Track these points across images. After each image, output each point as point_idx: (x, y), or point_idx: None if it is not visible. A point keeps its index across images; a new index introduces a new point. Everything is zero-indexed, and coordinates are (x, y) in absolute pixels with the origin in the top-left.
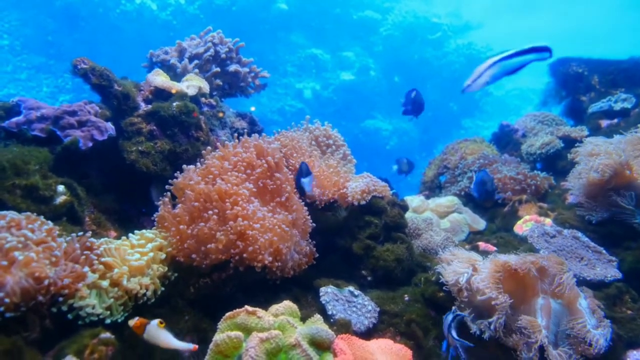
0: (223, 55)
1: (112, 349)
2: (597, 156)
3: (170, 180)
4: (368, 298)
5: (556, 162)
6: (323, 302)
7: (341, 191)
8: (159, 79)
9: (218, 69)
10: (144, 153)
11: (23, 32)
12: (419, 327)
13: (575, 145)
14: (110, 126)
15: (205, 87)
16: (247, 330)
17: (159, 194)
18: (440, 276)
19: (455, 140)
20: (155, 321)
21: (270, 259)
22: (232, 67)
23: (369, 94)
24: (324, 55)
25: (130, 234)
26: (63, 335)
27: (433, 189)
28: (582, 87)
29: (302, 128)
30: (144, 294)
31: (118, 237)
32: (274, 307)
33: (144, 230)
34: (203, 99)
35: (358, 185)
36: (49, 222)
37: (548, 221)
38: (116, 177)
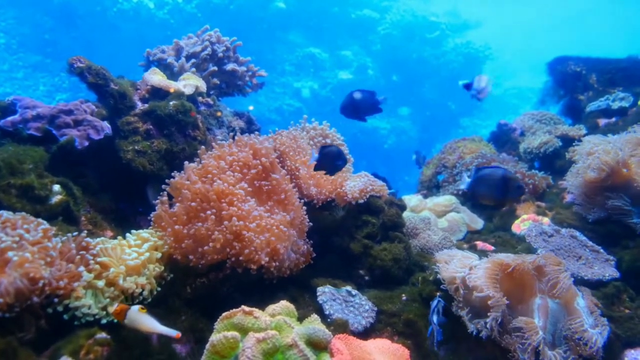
0: (220, 54)
1: (107, 349)
2: (594, 155)
3: (167, 180)
4: (365, 298)
5: (554, 161)
6: (320, 301)
7: (339, 190)
8: (156, 77)
9: (215, 68)
10: (140, 152)
11: (20, 30)
12: (416, 327)
13: (573, 144)
14: (106, 125)
15: (203, 86)
16: (244, 331)
17: (155, 193)
18: (438, 275)
19: (453, 139)
20: (136, 307)
21: (267, 259)
22: (230, 66)
23: None
24: (322, 54)
25: (127, 234)
26: (59, 336)
27: (431, 188)
28: (580, 86)
29: (300, 127)
30: (140, 294)
31: (114, 237)
32: (271, 307)
33: (140, 230)
34: (200, 98)
35: (356, 184)
36: (45, 222)
37: (546, 220)
38: (112, 177)
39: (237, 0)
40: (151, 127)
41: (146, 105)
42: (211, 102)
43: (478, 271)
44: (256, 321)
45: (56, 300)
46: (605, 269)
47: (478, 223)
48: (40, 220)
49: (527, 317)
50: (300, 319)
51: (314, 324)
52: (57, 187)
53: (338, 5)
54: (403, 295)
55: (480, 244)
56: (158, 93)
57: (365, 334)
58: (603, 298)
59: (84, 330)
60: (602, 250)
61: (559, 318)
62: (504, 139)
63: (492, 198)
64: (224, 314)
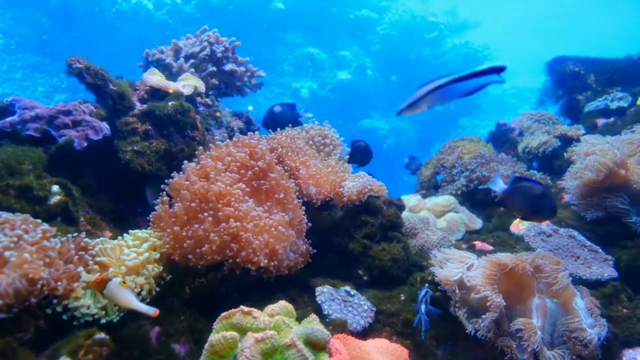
0: (219, 55)
1: (106, 349)
2: (592, 155)
3: (166, 180)
4: (364, 298)
5: (553, 161)
6: (319, 301)
7: (337, 190)
8: (155, 78)
9: (214, 69)
10: (139, 153)
11: (18, 31)
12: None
13: (572, 144)
14: (105, 126)
15: (201, 87)
16: (243, 331)
17: (154, 193)
18: (436, 277)
19: (452, 139)
20: (118, 279)
21: (266, 260)
22: (228, 67)
23: (366, 93)
24: (320, 55)
25: (125, 234)
26: (57, 336)
27: (430, 188)
28: (579, 86)
29: (299, 128)
30: (139, 293)
31: (113, 237)
32: (270, 307)
33: (137, 230)
34: (199, 99)
35: (355, 184)
36: (44, 223)
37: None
38: (111, 177)
39: (236, 1)
40: (150, 127)
41: (145, 106)
42: (210, 103)
43: (476, 271)
44: (255, 321)
45: (55, 301)
46: (603, 268)
47: (477, 223)
48: (39, 221)
49: (525, 318)
50: (299, 319)
51: (313, 324)
52: (55, 188)
53: (337, 5)
54: (402, 295)
55: (478, 244)
56: (157, 93)
57: (364, 333)
58: (601, 298)
59: (82, 331)
60: (600, 250)
61: (557, 318)
62: (502, 139)
63: (524, 212)
64: (222, 314)
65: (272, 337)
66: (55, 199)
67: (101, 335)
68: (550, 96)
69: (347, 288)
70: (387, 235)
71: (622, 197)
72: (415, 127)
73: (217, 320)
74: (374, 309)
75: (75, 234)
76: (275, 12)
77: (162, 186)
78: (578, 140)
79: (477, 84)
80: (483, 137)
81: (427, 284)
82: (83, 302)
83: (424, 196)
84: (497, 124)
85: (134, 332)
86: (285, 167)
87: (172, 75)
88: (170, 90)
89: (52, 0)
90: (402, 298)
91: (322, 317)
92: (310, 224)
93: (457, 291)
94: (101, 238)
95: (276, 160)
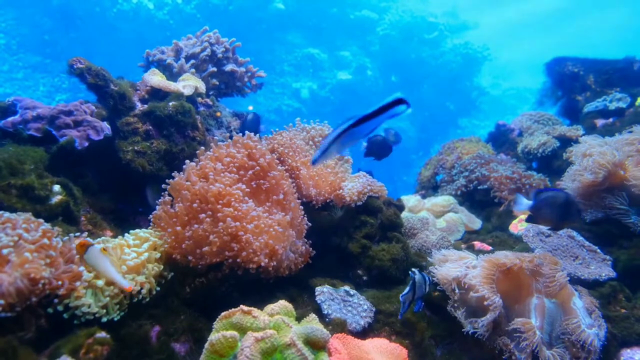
0: (219, 55)
1: (107, 348)
2: (591, 156)
3: (167, 180)
4: (364, 297)
5: (552, 162)
6: (319, 301)
7: (337, 191)
8: (155, 78)
9: (214, 69)
10: (140, 153)
11: (19, 31)
12: (414, 327)
13: (571, 144)
14: (106, 126)
15: (202, 87)
16: (243, 330)
17: (154, 193)
18: (434, 277)
19: (451, 140)
20: (99, 246)
21: (267, 260)
22: (229, 67)
23: (366, 94)
24: (321, 55)
25: (125, 234)
26: (59, 335)
27: (429, 188)
28: (578, 87)
29: (300, 128)
30: (139, 291)
31: (114, 237)
32: (270, 307)
33: (137, 230)
34: (199, 99)
35: (354, 185)
36: (45, 222)
37: None
38: (112, 177)
39: (236, 1)
40: (151, 127)
41: (146, 106)
42: (210, 103)
43: (474, 271)
44: (255, 321)
45: (56, 300)
46: (602, 268)
47: (476, 223)
48: (41, 220)
49: (524, 318)
50: (299, 318)
51: (312, 323)
52: (57, 188)
53: (337, 6)
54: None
55: (478, 244)
56: (157, 94)
57: (363, 333)
58: (600, 298)
59: (83, 330)
60: (599, 250)
61: (555, 318)
62: (502, 139)
63: (554, 221)
64: (222, 314)
65: (271, 337)
66: (56, 199)
67: (102, 334)
68: (549, 97)
69: (347, 288)
70: (387, 235)
71: (621, 197)
72: (415, 128)
73: (217, 319)
74: (373, 309)
75: (77, 234)
76: (276, 12)
77: (163, 186)
78: (577, 141)
79: (380, 121)
80: (482, 138)
81: (413, 269)
82: (84, 301)
83: (424, 196)
84: (496, 124)
85: (134, 331)
86: (286, 167)
87: (172, 75)
88: (171, 91)
89: (53, 1)
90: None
91: (322, 317)
92: (309, 224)
93: (455, 290)
94: (103, 237)
95: (277, 161)
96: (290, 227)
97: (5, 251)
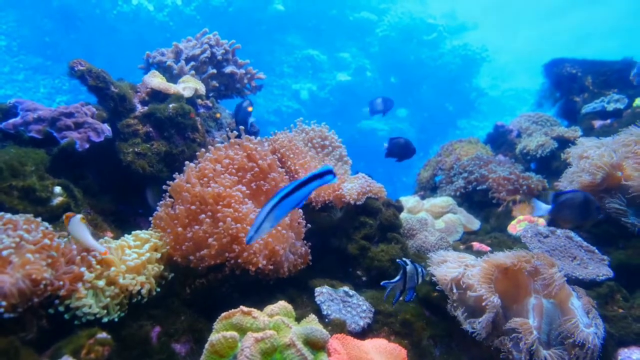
0: (219, 57)
1: (108, 349)
2: (588, 158)
3: (168, 182)
4: (363, 298)
5: (551, 163)
6: (318, 302)
7: (336, 192)
8: (156, 80)
9: (214, 71)
10: (140, 154)
11: (20, 32)
12: (413, 327)
13: (569, 145)
14: (106, 128)
15: (202, 89)
16: (243, 331)
17: (155, 195)
18: (433, 277)
19: (450, 141)
20: (79, 216)
21: (265, 262)
22: (229, 69)
23: (365, 95)
24: (320, 56)
25: (126, 235)
26: (60, 335)
27: (428, 189)
28: (576, 88)
29: (299, 129)
30: (139, 291)
31: (115, 238)
32: (269, 308)
33: (138, 231)
34: (199, 101)
35: (354, 186)
36: (46, 223)
37: (541, 221)
38: (113, 179)
39: (236, 3)
40: (151, 129)
41: (146, 108)
42: (210, 105)
43: (473, 270)
44: (255, 321)
45: (57, 300)
46: (599, 269)
47: (474, 224)
48: (41, 221)
49: (521, 318)
50: (299, 319)
51: (312, 324)
52: (58, 189)
53: (336, 7)
54: None
55: (476, 245)
56: (158, 96)
57: (362, 334)
58: (597, 298)
59: (84, 330)
60: (596, 251)
61: (553, 318)
62: (500, 140)
63: (575, 221)
64: (222, 314)
65: (271, 337)
66: (57, 200)
67: (103, 334)
68: (547, 98)
69: (346, 288)
70: (386, 236)
71: (619, 198)
72: (414, 129)
73: (217, 320)
74: (373, 309)
75: None
76: (275, 14)
77: (163, 187)
78: (575, 142)
79: (310, 189)
80: (481, 139)
81: (404, 258)
82: (85, 302)
83: (423, 197)
84: (495, 125)
85: (135, 331)
86: (286, 169)
87: (172, 77)
88: (171, 92)
89: (54, 3)
90: (401, 298)
91: (321, 317)
92: (309, 225)
93: (454, 290)
94: (105, 238)
95: (278, 163)
96: (290, 229)
97: (6, 252)
